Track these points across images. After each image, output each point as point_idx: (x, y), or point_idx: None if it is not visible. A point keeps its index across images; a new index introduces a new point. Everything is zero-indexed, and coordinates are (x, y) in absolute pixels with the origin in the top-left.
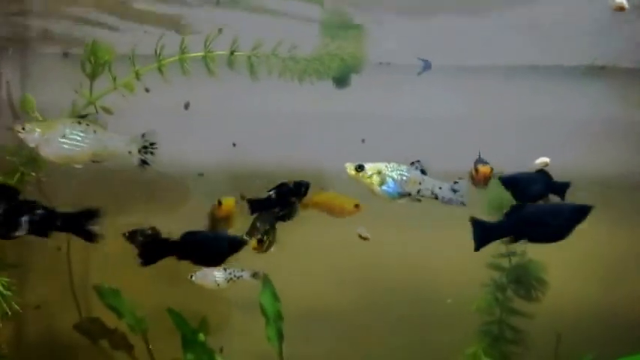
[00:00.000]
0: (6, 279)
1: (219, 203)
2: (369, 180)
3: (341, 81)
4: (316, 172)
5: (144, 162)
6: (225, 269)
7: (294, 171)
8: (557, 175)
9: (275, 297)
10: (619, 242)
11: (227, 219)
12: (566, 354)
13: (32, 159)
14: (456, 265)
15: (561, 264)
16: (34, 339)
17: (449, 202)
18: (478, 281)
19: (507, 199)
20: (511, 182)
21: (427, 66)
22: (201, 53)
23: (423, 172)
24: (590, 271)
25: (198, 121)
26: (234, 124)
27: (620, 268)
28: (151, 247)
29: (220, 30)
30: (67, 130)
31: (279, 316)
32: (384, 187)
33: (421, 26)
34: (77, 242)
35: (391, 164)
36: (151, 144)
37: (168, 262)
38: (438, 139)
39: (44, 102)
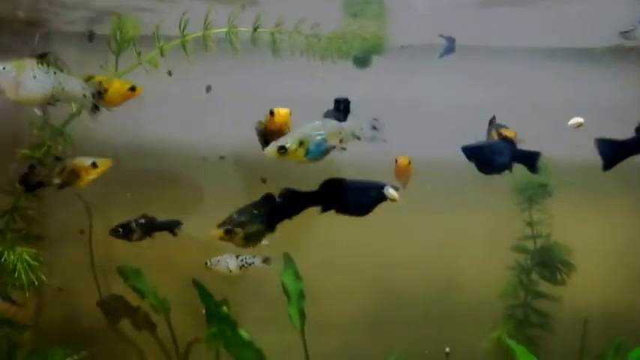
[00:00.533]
0: (33, 250)
1: (272, 114)
2: (295, 155)
3: (362, 61)
4: (335, 156)
5: (96, 107)
6: (237, 256)
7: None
8: (588, 162)
9: (297, 276)
10: None
11: (280, 132)
12: (593, 339)
13: (59, 132)
14: (480, 249)
15: (588, 247)
16: (55, 320)
17: (372, 139)
18: (503, 264)
19: (533, 181)
20: (473, 152)
21: (450, 48)
22: (225, 29)
23: (340, 117)
24: (619, 256)
25: (219, 103)
26: (256, 107)
27: None
28: (291, 201)
29: (243, 6)
30: (35, 71)
31: (301, 295)
32: (310, 156)
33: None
34: (99, 226)
35: (307, 127)
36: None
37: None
38: (459, 124)
39: None
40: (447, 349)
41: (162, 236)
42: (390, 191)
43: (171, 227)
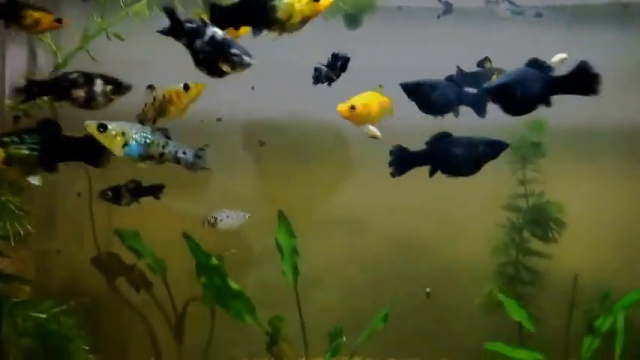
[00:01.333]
0: (17, 199)
1: (186, 88)
2: (112, 140)
3: (353, 20)
4: (328, 122)
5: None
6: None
7: (308, 121)
8: (584, 126)
9: (290, 233)
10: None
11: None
12: (582, 294)
13: None
14: (474, 207)
15: (579, 205)
16: (55, 280)
17: (191, 166)
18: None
19: (527, 140)
20: (414, 90)
21: (448, 8)
22: None
23: (168, 137)
24: (608, 214)
25: None
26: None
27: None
28: (402, 158)
29: None
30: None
31: (294, 251)
32: (127, 149)
33: None
34: (97, 188)
35: (136, 126)
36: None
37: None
38: None
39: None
40: (428, 290)
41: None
42: (370, 127)
43: (155, 192)
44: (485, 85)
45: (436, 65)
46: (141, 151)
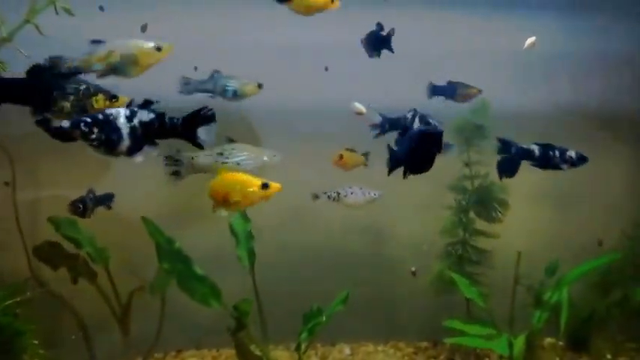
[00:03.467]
0: None
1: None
2: None
3: None
4: (281, 104)
5: None
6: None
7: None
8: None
9: (245, 217)
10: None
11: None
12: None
13: None
14: (422, 189)
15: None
16: None
17: None
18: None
19: (471, 122)
20: None
21: None
22: None
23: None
24: (548, 194)
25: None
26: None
27: (574, 191)
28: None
29: None
30: None
31: (249, 236)
32: None
33: None
34: (23, 178)
35: None
36: None
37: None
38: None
39: None
40: (413, 269)
41: None
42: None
43: (108, 201)
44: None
45: None
46: None
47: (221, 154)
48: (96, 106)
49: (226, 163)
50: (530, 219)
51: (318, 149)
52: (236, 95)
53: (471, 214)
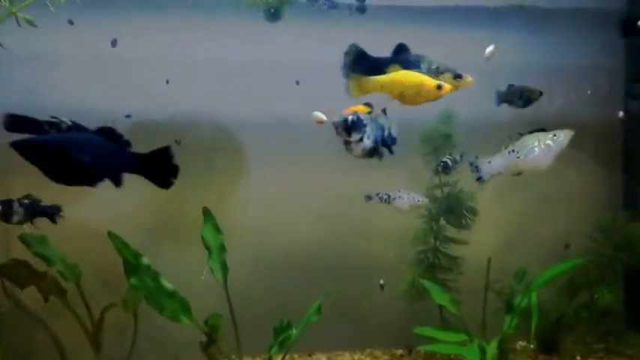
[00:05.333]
0: None
1: None
2: None
3: (274, 14)
4: (247, 117)
5: None
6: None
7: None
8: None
9: (217, 229)
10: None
11: None
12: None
13: None
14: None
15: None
16: None
17: None
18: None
19: (439, 131)
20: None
21: (361, 8)
22: None
23: None
24: (517, 201)
25: (128, 59)
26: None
27: (541, 198)
28: None
29: None
30: None
31: (222, 248)
32: None
33: None
34: None
35: None
36: None
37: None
38: None
39: None
40: (382, 281)
41: None
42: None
43: (52, 214)
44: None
45: None
46: None
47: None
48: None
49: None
50: (499, 225)
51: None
52: None
53: (442, 222)
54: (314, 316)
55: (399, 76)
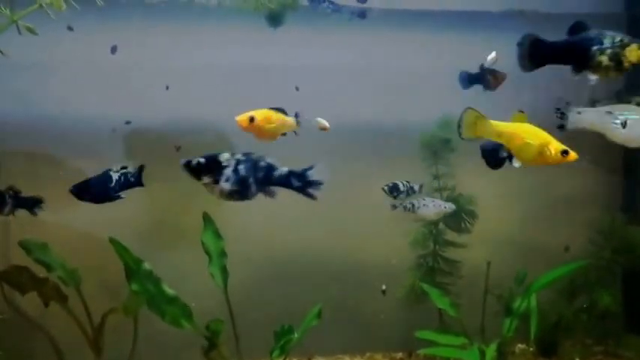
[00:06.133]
0: None
1: None
2: None
3: (276, 19)
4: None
5: None
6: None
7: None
8: None
9: (217, 235)
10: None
11: None
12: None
13: None
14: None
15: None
16: None
17: None
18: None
19: (438, 136)
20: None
21: (361, 12)
22: None
23: None
24: (515, 203)
25: (128, 65)
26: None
27: (541, 201)
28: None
29: None
30: None
31: (222, 254)
32: None
33: None
34: None
35: None
36: None
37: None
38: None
39: None
40: (384, 287)
41: None
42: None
43: (32, 205)
44: None
45: None
46: None
47: (610, 112)
48: (629, 57)
49: (616, 123)
50: (498, 229)
51: None
52: None
53: (441, 226)
54: (314, 320)
55: (522, 130)
